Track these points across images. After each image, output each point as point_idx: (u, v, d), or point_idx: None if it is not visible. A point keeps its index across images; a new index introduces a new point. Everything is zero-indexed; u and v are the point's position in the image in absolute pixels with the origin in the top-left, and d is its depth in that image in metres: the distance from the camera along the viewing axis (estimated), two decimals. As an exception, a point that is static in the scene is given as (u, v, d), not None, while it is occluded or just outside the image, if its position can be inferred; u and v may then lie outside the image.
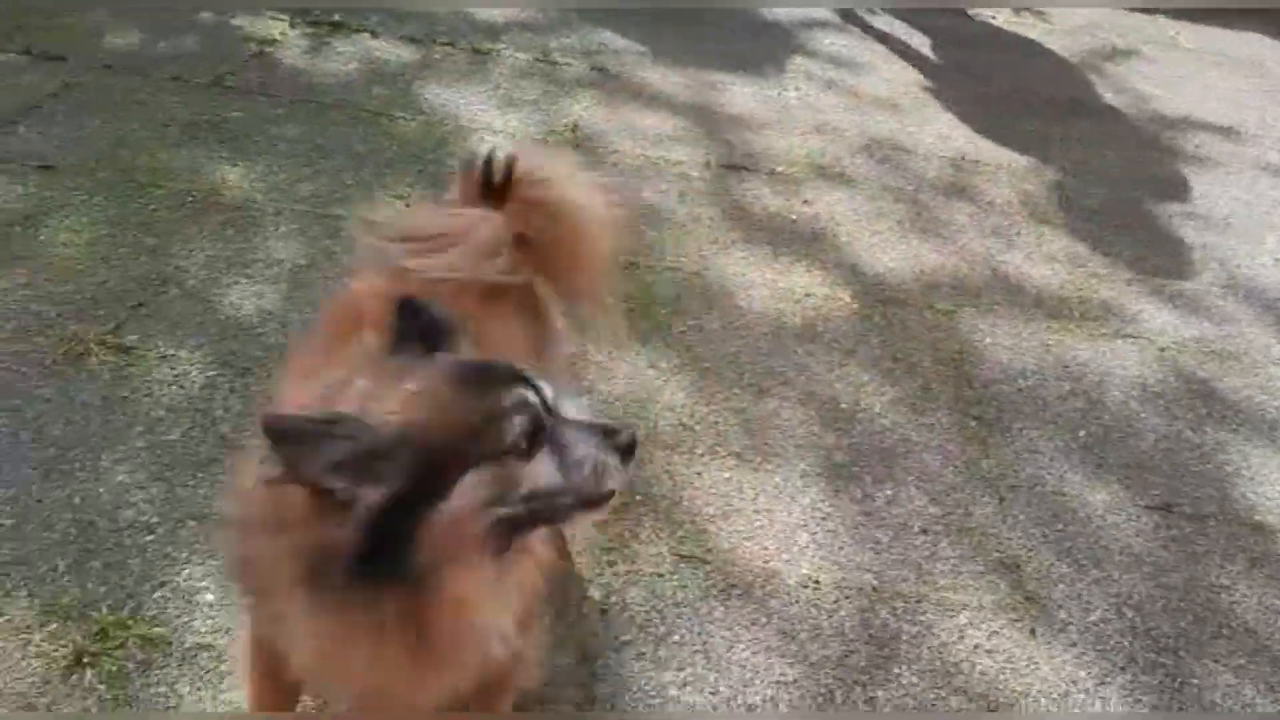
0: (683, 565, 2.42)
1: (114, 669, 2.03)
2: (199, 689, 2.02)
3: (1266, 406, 3.21)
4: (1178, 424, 3.09)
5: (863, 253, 3.65)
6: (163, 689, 2.01)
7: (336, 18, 4.60)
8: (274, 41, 4.38)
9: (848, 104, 4.67)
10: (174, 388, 2.66)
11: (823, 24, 5.45)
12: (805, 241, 3.66)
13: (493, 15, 4.92)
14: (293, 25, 4.51)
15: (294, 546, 1.36)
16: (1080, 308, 3.54)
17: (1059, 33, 5.80)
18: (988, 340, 3.31)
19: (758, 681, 2.20)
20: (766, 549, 2.50)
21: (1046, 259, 3.78)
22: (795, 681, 2.21)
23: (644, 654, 2.21)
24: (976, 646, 2.35)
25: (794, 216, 3.79)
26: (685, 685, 2.17)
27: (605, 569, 2.38)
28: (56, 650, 2.05)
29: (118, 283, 2.96)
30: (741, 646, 2.27)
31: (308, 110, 3.94)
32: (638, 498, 2.54)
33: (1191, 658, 2.39)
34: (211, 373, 2.71)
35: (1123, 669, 2.35)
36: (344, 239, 3.22)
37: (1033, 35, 5.74)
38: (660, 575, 2.39)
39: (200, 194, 3.37)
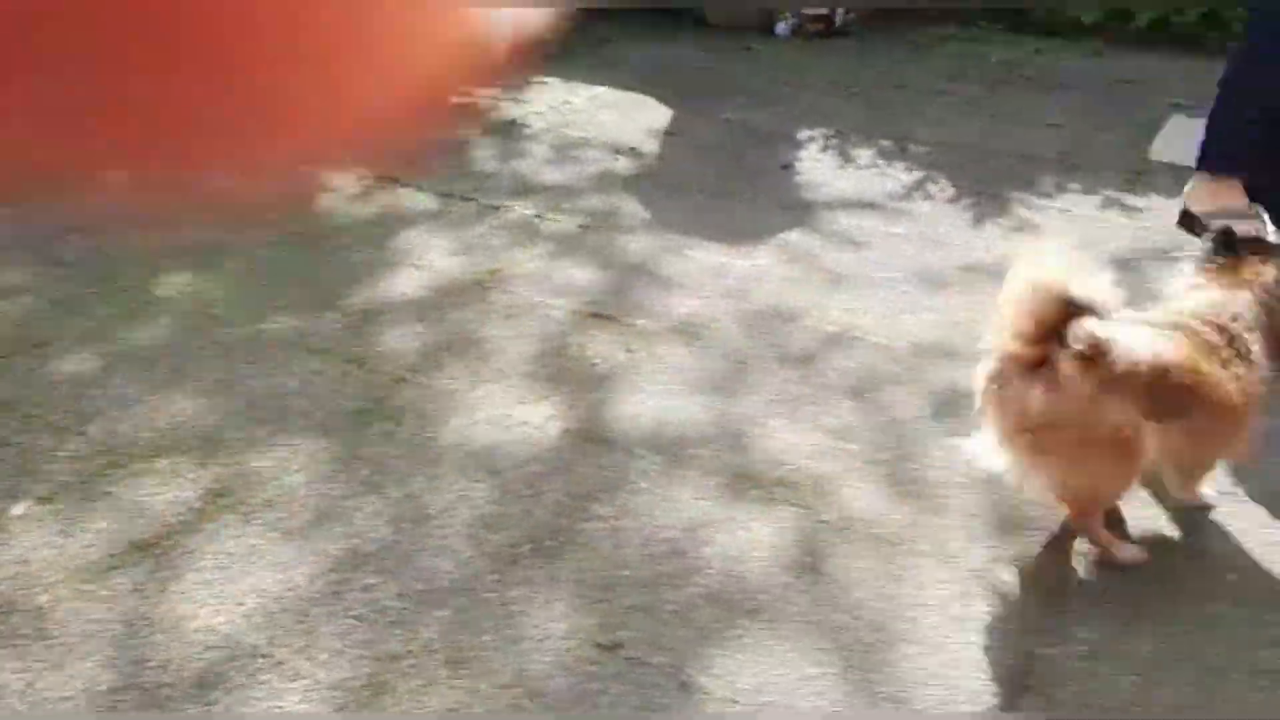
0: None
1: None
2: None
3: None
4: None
5: (624, 396, 3.71)
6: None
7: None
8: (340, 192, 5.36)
9: (793, 277, 4.64)
10: None
11: (869, 206, 5.38)
12: (572, 381, 3.80)
13: (543, 178, 5.57)
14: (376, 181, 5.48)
15: None
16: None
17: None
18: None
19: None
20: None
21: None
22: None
23: None
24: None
25: (596, 361, 3.93)
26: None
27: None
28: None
29: None
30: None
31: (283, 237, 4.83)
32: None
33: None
34: None
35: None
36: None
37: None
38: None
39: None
